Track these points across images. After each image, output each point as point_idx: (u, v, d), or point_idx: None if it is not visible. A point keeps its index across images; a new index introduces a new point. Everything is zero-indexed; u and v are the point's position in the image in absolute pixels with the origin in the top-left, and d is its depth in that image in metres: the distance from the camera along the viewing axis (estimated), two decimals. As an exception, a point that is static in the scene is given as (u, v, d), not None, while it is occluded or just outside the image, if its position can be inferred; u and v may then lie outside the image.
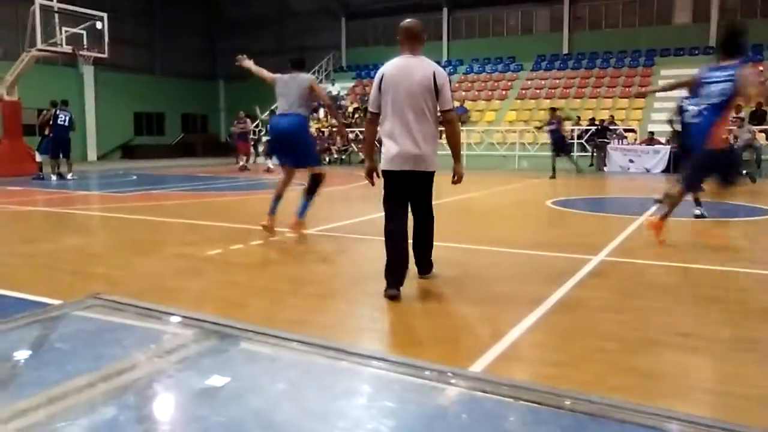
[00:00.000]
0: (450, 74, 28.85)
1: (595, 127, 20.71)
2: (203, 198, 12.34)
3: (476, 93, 26.98)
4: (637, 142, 20.47)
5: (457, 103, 25.70)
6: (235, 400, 0.93)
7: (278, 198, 6.96)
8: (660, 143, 19.16)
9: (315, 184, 6.97)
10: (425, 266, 4.97)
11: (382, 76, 4.56)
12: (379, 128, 4.72)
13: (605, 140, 20.21)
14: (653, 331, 3.80)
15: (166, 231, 7.73)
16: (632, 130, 21.17)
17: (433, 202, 4.80)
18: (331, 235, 7.21)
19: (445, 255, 6.03)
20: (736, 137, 18.39)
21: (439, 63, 26.59)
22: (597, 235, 7.19)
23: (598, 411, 0.76)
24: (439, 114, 4.64)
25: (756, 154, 18.00)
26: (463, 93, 27.07)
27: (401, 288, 4.46)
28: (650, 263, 5.82)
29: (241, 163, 21.29)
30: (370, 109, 4.68)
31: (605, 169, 19.76)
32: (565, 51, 28.13)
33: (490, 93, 26.66)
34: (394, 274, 4.47)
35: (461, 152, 4.80)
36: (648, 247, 6.49)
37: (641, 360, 3.34)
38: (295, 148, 6.85)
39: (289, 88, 6.82)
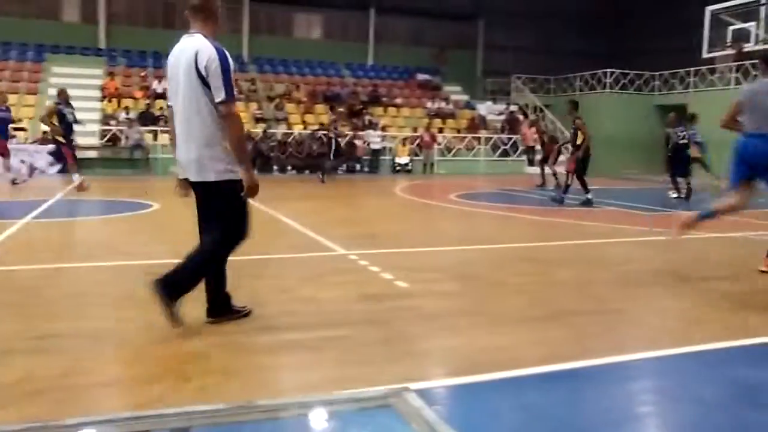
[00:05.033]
0: None
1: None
2: None
3: None
4: (29, 141, 19.16)
5: None
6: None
7: None
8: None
9: None
10: (168, 292, 3.76)
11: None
12: None
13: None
14: (8, 341, 3.70)
15: None
16: (23, 129, 19.75)
17: (226, 228, 3.93)
18: None
19: None
20: (127, 137, 19.42)
21: None
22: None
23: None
24: None
25: (144, 153, 19.25)
26: None
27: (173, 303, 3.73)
28: (17, 269, 5.69)
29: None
30: (168, 102, 4.11)
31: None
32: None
33: None
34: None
35: (247, 155, 3.98)
36: (15, 252, 6.32)
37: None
38: None
39: None
